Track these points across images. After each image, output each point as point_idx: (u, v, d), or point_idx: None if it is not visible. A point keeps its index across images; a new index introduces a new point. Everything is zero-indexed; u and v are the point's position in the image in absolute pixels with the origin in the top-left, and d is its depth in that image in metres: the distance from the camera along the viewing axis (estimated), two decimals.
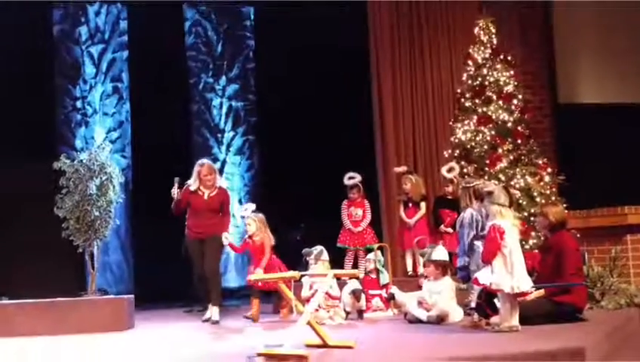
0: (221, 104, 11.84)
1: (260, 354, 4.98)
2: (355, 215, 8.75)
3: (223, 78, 11.83)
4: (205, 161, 8.00)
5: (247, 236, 7.87)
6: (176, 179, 7.79)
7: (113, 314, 7.35)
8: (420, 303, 6.75)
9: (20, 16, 10.24)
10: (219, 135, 11.80)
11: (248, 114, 11.95)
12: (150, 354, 5.60)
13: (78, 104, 11.01)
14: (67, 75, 11.01)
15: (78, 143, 10.84)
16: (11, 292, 8.83)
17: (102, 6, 11.22)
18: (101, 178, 8.69)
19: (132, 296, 7.85)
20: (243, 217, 8.13)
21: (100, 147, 9.08)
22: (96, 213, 8.56)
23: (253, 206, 8.06)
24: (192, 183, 7.86)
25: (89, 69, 11.15)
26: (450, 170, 8.85)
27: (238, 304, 10.05)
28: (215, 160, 11.63)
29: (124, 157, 11.06)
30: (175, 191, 7.76)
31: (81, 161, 8.81)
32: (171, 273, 10.53)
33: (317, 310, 6.35)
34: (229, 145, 11.82)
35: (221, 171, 11.62)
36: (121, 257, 11.00)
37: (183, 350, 5.74)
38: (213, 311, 7.70)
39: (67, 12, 11.06)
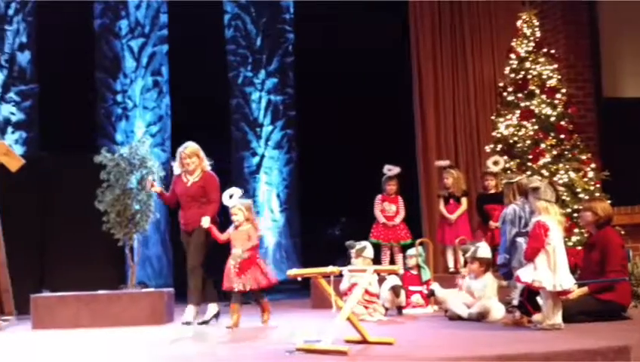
0: (260, 98, 11.87)
1: (299, 349, 4.95)
2: (389, 210, 8.65)
3: (262, 71, 11.85)
4: (189, 143, 7.33)
5: (233, 226, 6.88)
6: (153, 173, 7.48)
7: (153, 308, 7.40)
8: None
9: (61, 11, 10.37)
10: (257, 129, 11.83)
11: (287, 108, 11.96)
12: (189, 348, 5.61)
13: (119, 98, 11.12)
14: (108, 69, 11.12)
15: (119, 137, 10.96)
16: (53, 285, 8.97)
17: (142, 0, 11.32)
18: (141, 172, 8.76)
19: (172, 289, 7.88)
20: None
21: (141, 141, 9.16)
22: (137, 207, 8.63)
23: (239, 191, 7.06)
24: (175, 168, 7.31)
25: (129, 63, 11.25)
26: (495, 162, 8.70)
27: (277, 298, 10.05)
28: (254, 154, 11.68)
29: (163, 151, 11.14)
30: (148, 184, 7.38)
31: (122, 154, 8.88)
32: (212, 266, 10.58)
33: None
34: (267, 139, 11.84)
35: (259, 165, 11.65)
36: (161, 251, 11.09)
37: (222, 344, 5.75)
38: (186, 310, 7.09)
39: (108, 6, 11.18)
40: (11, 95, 10.68)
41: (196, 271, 7.12)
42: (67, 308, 7.39)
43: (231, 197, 6.89)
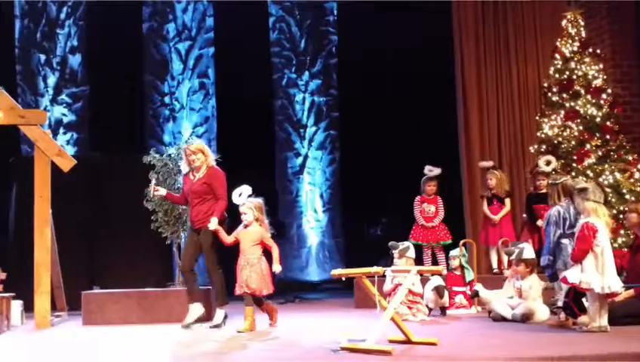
0: (304, 99, 11.97)
1: (343, 348, 5.03)
2: (429, 211, 8.66)
3: (306, 73, 11.96)
4: (193, 139, 7.23)
5: (242, 226, 6.64)
6: (153, 175, 7.24)
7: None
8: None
9: (111, 15, 10.63)
10: (301, 130, 11.93)
11: (330, 109, 12.04)
12: (236, 344, 5.73)
13: (167, 100, 11.33)
14: (156, 72, 11.34)
15: (166, 138, 11.16)
16: (103, 282, 9.21)
17: (189, 3, 11.50)
18: None
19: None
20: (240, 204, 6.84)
21: (188, 142, 9.34)
22: (184, 207, 8.82)
23: (248, 189, 6.77)
24: (182, 166, 7.14)
25: (177, 66, 11.46)
26: (547, 162, 8.62)
27: (320, 297, 10.16)
28: (297, 154, 11.78)
29: None
30: (151, 190, 7.10)
31: (170, 155, 9.08)
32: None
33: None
34: (311, 140, 11.94)
35: (303, 166, 11.76)
36: None
37: (267, 342, 5.85)
38: (190, 310, 6.92)
39: (156, 9, 11.40)
40: (63, 97, 10.98)
41: (214, 273, 6.93)
42: (117, 304, 7.58)
43: (240, 195, 6.66)
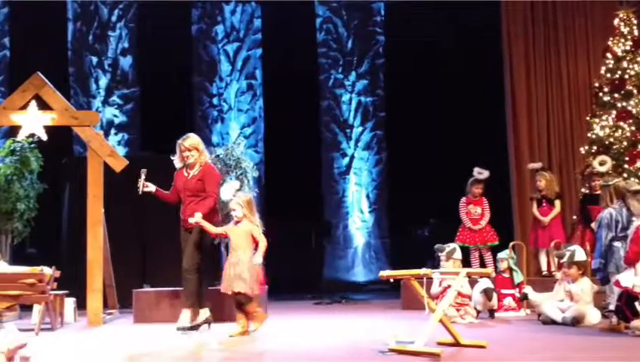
0: (350, 99, 11.98)
1: (392, 350, 5.03)
2: (475, 213, 8.58)
3: (353, 73, 11.96)
4: (189, 134, 6.78)
5: (232, 223, 6.39)
6: (143, 171, 6.82)
7: None
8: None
9: (161, 17, 10.80)
10: (347, 130, 11.94)
11: (377, 109, 12.02)
12: (285, 343, 5.77)
13: (215, 101, 11.46)
14: (204, 73, 11.48)
15: (215, 138, 11.29)
16: (153, 281, 9.35)
17: (237, 5, 11.61)
18: (236, 172, 9.04)
19: (265, 286, 8.07)
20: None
21: (236, 143, 9.44)
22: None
23: (237, 184, 6.70)
24: (176, 162, 6.80)
25: (225, 67, 11.58)
26: (602, 163, 8.48)
27: (366, 298, 10.16)
28: (344, 155, 11.80)
29: (257, 153, 11.41)
30: (140, 185, 6.73)
31: (218, 155, 9.20)
32: (300, 265, 10.80)
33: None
34: (357, 141, 11.93)
35: (349, 166, 11.77)
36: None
37: (315, 342, 5.88)
38: (182, 315, 6.56)
39: (205, 11, 11.54)
40: (114, 98, 11.20)
41: (190, 274, 6.59)
42: (166, 303, 7.69)
43: (228, 190, 6.46)
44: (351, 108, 11.98)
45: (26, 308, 7.61)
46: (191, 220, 6.34)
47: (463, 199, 8.61)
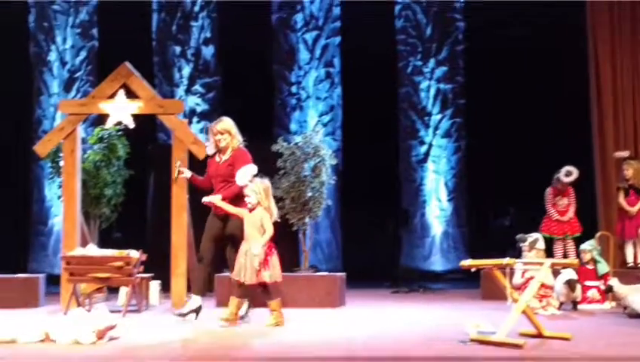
0: (429, 87, 11.86)
1: (473, 340, 5.00)
2: (561, 204, 8.40)
3: (432, 60, 11.84)
4: (222, 118, 6.65)
5: (247, 209, 6.12)
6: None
7: (327, 291, 7.68)
8: None
9: (242, 7, 10.95)
10: (426, 118, 11.84)
11: (456, 96, 11.87)
12: (364, 332, 5.80)
13: (293, 89, 11.55)
14: (284, 62, 11.59)
15: (293, 126, 11.39)
16: (234, 266, 9.53)
17: None
18: (315, 160, 9.11)
19: (344, 274, 8.12)
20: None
21: (314, 130, 9.51)
22: (310, 194, 8.99)
23: (254, 169, 6.36)
24: (209, 147, 6.67)
25: (304, 55, 11.66)
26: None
27: (444, 288, 10.10)
28: (422, 142, 11.71)
29: (334, 140, 11.45)
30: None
31: (297, 143, 9.29)
32: (378, 253, 10.82)
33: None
34: (436, 128, 11.82)
35: (427, 154, 11.68)
36: (331, 236, 11.44)
37: (394, 330, 5.89)
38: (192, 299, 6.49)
39: (284, 1, 11.64)
40: (197, 87, 11.44)
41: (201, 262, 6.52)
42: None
43: (244, 175, 6.23)
44: (429, 96, 11.87)
45: (114, 291, 7.89)
46: (205, 199, 6.25)
47: (549, 190, 8.45)
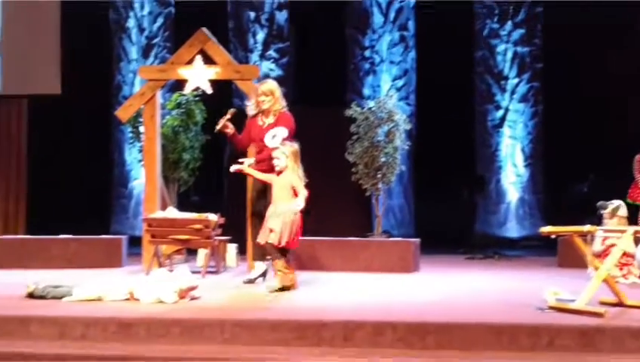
0: (506, 50, 11.59)
1: (551, 307, 4.94)
2: None
3: (509, 23, 11.54)
4: (267, 79, 6.62)
5: (275, 173, 6.05)
6: (231, 110, 6.63)
7: (401, 256, 7.69)
8: None
9: None
10: (502, 82, 11.59)
11: (534, 60, 11.57)
12: (440, 297, 5.81)
13: (367, 53, 11.47)
14: (357, 26, 11.50)
15: (366, 91, 11.33)
16: (305, 230, 9.63)
17: None
18: (389, 125, 9.08)
19: (418, 239, 8.11)
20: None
21: (388, 95, 9.45)
22: (383, 159, 8.98)
23: (284, 132, 6.24)
24: (250, 108, 6.53)
25: (377, 19, 11.53)
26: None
27: (520, 255, 9.98)
28: (498, 107, 11.49)
29: (408, 105, 11.35)
30: (221, 121, 6.53)
31: (370, 108, 9.26)
32: (451, 219, 10.74)
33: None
34: (512, 93, 11.56)
35: (503, 119, 11.47)
36: (404, 202, 11.41)
37: (471, 297, 5.87)
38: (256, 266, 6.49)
39: None
40: (270, 52, 11.49)
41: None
42: (321, 252, 7.92)
43: (274, 138, 6.16)
44: (506, 59, 11.60)
45: (192, 252, 8.10)
46: (233, 168, 6.26)
47: (638, 157, 8.23)
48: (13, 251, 8.20)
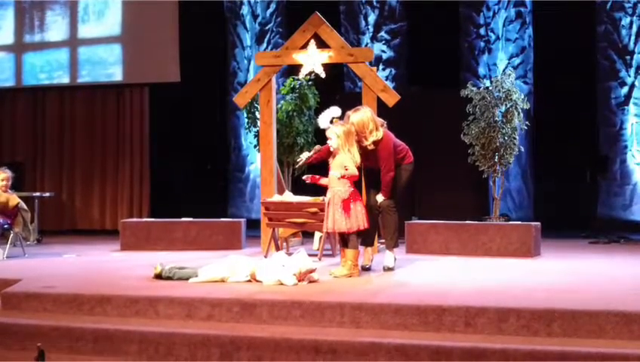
0: (631, 23, 10.97)
1: None
2: None
3: None
4: (360, 108, 6.11)
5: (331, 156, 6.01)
6: (316, 147, 6.44)
7: (521, 241, 7.47)
8: None
9: None
10: (627, 57, 10.99)
11: None
12: (566, 282, 5.61)
13: (482, 31, 11.16)
14: (471, 4, 11.20)
15: (481, 70, 11.04)
16: (421, 213, 9.56)
17: None
18: (506, 105, 8.82)
19: (539, 223, 7.85)
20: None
21: (506, 74, 9.17)
22: (501, 140, 8.75)
23: (337, 111, 6.17)
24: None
25: None
26: None
27: None
28: (622, 84, 10.93)
29: (526, 84, 10.97)
30: (304, 157, 6.45)
31: (487, 88, 9.02)
32: (572, 202, 10.34)
33: None
34: (638, 68, 10.95)
35: (628, 96, 10.90)
36: (522, 184, 11.07)
37: (599, 282, 5.65)
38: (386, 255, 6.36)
39: None
40: (382, 34, 11.37)
41: (389, 211, 6.26)
42: (438, 235, 7.82)
43: (328, 119, 6.10)
44: (631, 33, 10.98)
45: (308, 235, 8.18)
46: (306, 178, 6.23)
47: None
48: (139, 234, 8.58)
